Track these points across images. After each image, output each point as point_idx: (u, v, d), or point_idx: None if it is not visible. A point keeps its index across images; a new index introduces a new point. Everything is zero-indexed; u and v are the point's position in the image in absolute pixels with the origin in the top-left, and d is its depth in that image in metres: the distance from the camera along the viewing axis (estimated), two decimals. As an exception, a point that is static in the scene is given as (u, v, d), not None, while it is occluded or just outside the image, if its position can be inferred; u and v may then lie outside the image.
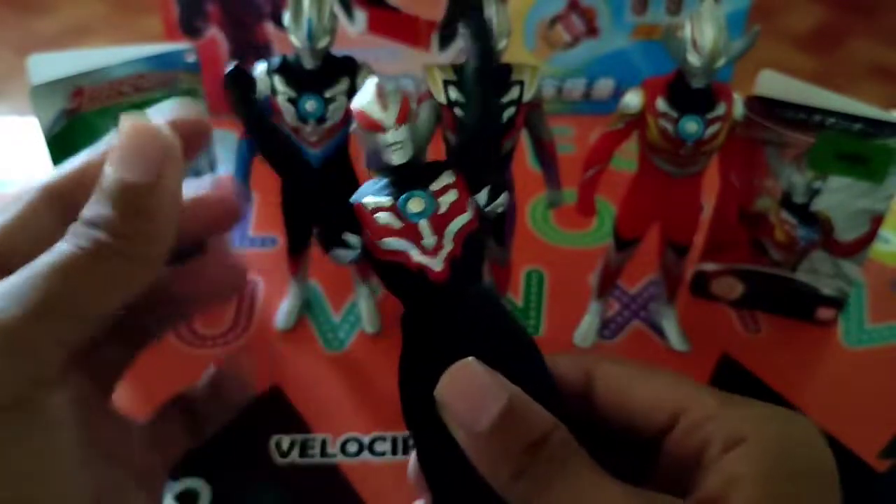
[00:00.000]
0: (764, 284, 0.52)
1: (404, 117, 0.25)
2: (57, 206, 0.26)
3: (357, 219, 0.25)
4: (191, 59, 0.49)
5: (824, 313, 0.53)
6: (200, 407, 0.32)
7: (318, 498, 0.43)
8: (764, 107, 0.46)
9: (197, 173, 0.53)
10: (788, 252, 0.51)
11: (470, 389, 0.23)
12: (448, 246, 0.25)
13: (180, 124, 0.26)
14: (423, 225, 0.25)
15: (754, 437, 0.23)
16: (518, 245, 0.48)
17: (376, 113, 0.25)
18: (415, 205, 0.25)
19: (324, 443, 0.45)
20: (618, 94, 0.69)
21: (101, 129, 0.48)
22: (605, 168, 0.45)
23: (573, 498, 0.22)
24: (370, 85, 0.25)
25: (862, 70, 1.78)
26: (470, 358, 0.24)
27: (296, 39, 0.42)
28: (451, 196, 0.25)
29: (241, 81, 0.25)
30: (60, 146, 0.47)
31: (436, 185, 0.25)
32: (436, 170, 0.26)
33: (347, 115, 0.44)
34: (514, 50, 0.52)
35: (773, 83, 0.46)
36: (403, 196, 0.25)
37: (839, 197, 0.47)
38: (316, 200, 0.26)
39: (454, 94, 0.40)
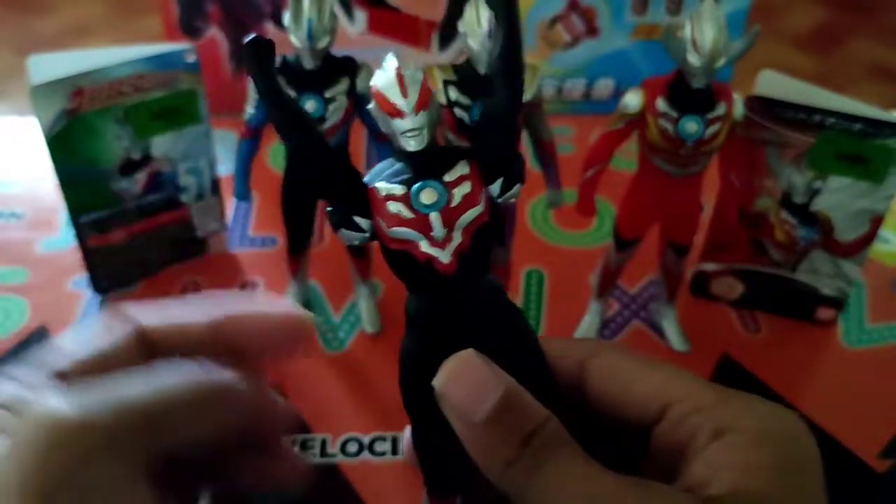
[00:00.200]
0: (764, 284, 0.52)
1: (424, 104, 0.24)
2: (147, 353, 0.27)
3: (368, 201, 0.25)
4: (191, 59, 0.49)
5: (824, 313, 0.53)
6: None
7: (318, 498, 0.43)
8: (764, 107, 0.46)
9: (197, 173, 0.53)
10: (788, 252, 0.51)
11: (468, 380, 0.24)
12: (457, 239, 0.25)
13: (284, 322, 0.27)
14: (434, 217, 0.24)
15: (740, 429, 0.23)
16: (518, 245, 0.48)
17: (395, 98, 0.24)
18: (427, 196, 0.24)
19: (324, 443, 0.45)
20: (618, 94, 0.69)
21: (101, 129, 0.48)
22: (605, 168, 0.45)
23: (562, 485, 0.22)
24: (390, 66, 0.25)
25: (862, 70, 1.78)
26: (469, 349, 0.25)
27: (296, 39, 0.42)
28: (464, 188, 0.25)
29: (261, 49, 0.24)
30: (60, 146, 0.47)
31: (450, 176, 0.25)
32: (451, 158, 0.25)
33: (347, 115, 0.44)
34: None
35: (773, 83, 0.46)
36: (416, 186, 0.24)
37: (839, 197, 0.47)
38: (327, 177, 0.25)
39: (454, 94, 0.40)
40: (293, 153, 0.25)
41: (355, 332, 0.51)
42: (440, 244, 0.24)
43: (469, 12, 0.39)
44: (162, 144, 0.51)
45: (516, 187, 0.25)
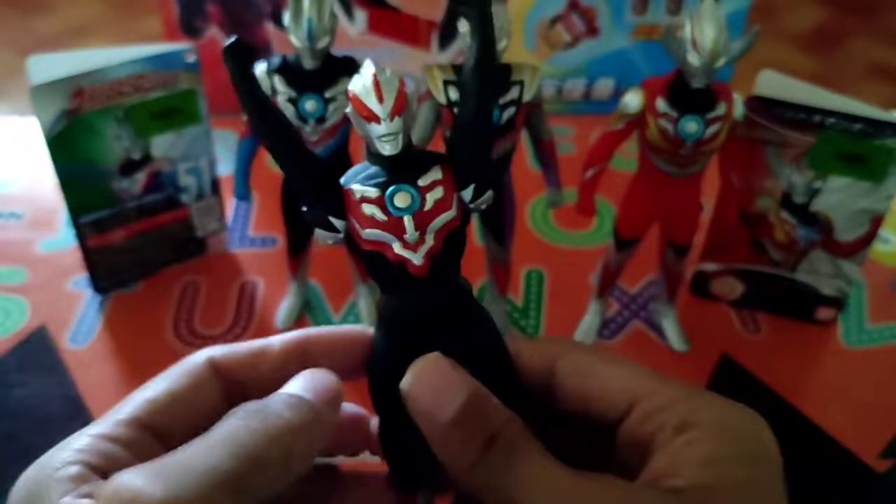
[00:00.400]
0: (764, 284, 0.52)
1: (399, 109, 0.25)
2: (223, 385, 0.27)
3: (343, 202, 0.26)
4: (191, 59, 0.49)
5: (824, 313, 0.53)
6: None
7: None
8: (764, 107, 0.46)
9: (197, 173, 0.53)
10: (788, 252, 0.51)
11: (434, 383, 0.25)
12: (429, 242, 0.25)
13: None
14: (407, 220, 0.25)
15: (702, 424, 0.24)
16: (518, 245, 0.48)
17: (372, 103, 0.25)
18: (401, 200, 0.25)
19: (324, 443, 0.45)
20: (618, 94, 0.69)
21: (101, 129, 0.48)
22: (605, 168, 0.45)
23: (525, 483, 0.23)
24: (367, 71, 0.25)
25: (862, 70, 1.78)
26: (435, 353, 0.25)
27: (296, 39, 0.42)
28: (437, 193, 0.25)
29: (239, 54, 0.24)
30: (60, 146, 0.47)
31: (423, 181, 0.25)
32: (425, 163, 0.26)
33: (347, 115, 0.44)
34: (514, 50, 0.52)
35: (773, 83, 0.46)
36: (390, 190, 0.25)
37: (839, 197, 0.47)
38: (304, 179, 0.26)
39: (454, 94, 0.40)
40: (272, 154, 0.26)
41: (355, 332, 0.51)
42: (412, 247, 0.25)
43: (469, 12, 0.39)
44: (162, 144, 0.51)
45: (488, 194, 0.26)
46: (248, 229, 0.59)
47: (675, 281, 0.50)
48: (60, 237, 0.58)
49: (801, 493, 0.43)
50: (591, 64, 0.69)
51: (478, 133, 0.26)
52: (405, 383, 0.25)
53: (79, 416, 0.46)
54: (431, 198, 0.25)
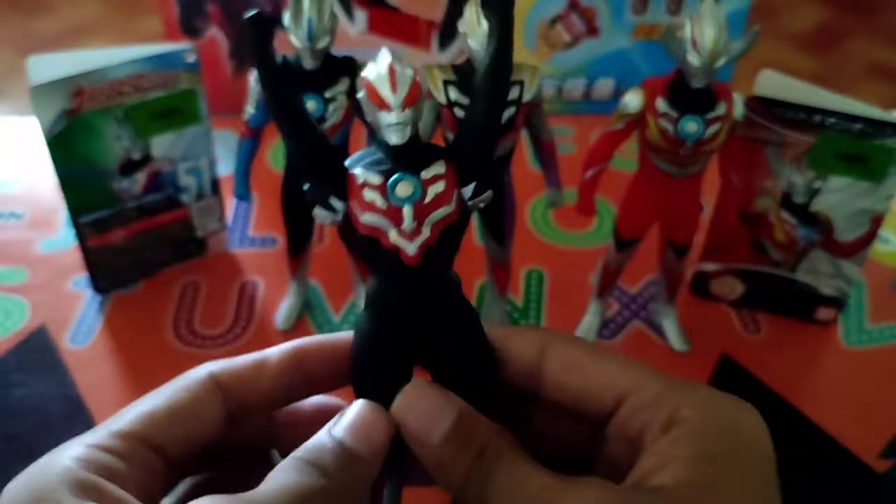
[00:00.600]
0: (764, 284, 0.52)
1: (412, 101, 0.25)
2: (224, 400, 0.27)
3: (345, 185, 0.26)
4: (191, 59, 0.49)
5: (824, 313, 0.53)
6: None
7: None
8: (764, 107, 0.46)
9: (197, 173, 0.53)
10: (788, 252, 0.51)
11: (423, 408, 0.26)
12: (425, 233, 0.26)
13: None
14: (407, 210, 0.25)
15: (687, 420, 0.24)
16: (518, 245, 0.48)
17: (385, 91, 0.25)
18: (403, 189, 0.25)
19: (324, 443, 0.45)
20: (618, 94, 0.69)
21: (101, 129, 0.48)
22: (605, 168, 0.45)
23: (510, 492, 0.24)
24: (384, 60, 0.25)
25: (862, 70, 1.78)
26: (422, 378, 0.26)
27: (296, 39, 0.41)
28: (438, 187, 0.26)
29: (262, 26, 0.24)
30: (60, 146, 0.47)
31: (427, 174, 0.25)
32: (430, 156, 0.26)
33: (347, 115, 0.44)
34: (514, 50, 0.52)
35: (773, 83, 0.46)
36: (394, 178, 0.25)
37: (839, 197, 0.47)
38: (311, 155, 0.26)
39: (454, 94, 0.40)
40: (282, 130, 0.26)
41: (355, 332, 0.51)
42: (408, 236, 0.25)
43: (469, 12, 0.39)
44: (162, 144, 0.51)
45: (487, 193, 0.26)
46: (248, 229, 0.59)
47: (675, 281, 0.51)
48: (60, 237, 0.58)
49: (801, 493, 0.43)
50: (591, 64, 0.69)
51: (484, 133, 0.26)
52: (395, 410, 0.26)
53: (79, 416, 0.46)
54: (433, 191, 0.25)
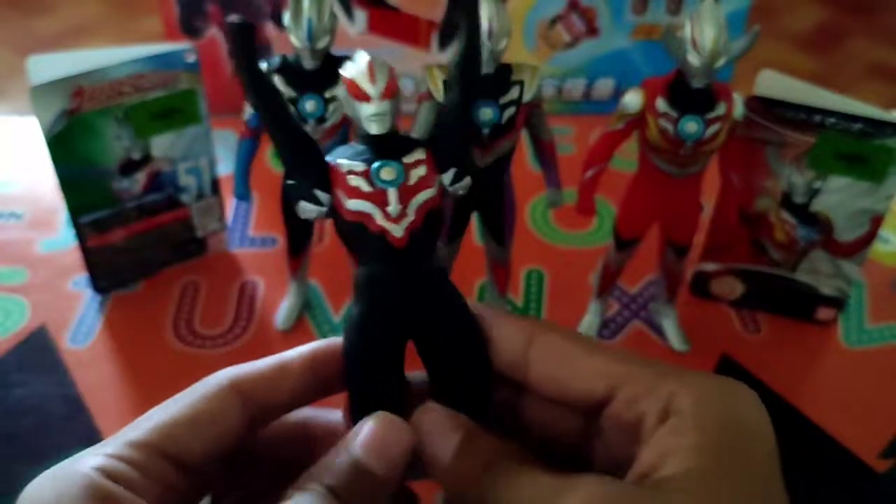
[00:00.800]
0: (764, 284, 0.52)
1: (390, 93, 0.27)
2: (245, 406, 0.27)
3: (328, 178, 0.27)
4: (191, 59, 0.49)
5: (824, 313, 0.53)
6: None
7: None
8: (764, 107, 0.46)
9: (197, 173, 0.53)
10: (788, 252, 0.51)
11: (432, 428, 0.27)
12: (411, 216, 0.27)
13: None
14: (392, 193, 0.26)
15: (688, 409, 0.24)
16: (518, 245, 0.48)
17: (365, 84, 0.26)
18: (387, 173, 0.26)
19: (324, 443, 0.45)
20: (618, 94, 0.69)
21: (101, 129, 0.48)
22: (605, 168, 0.45)
23: (511, 492, 0.25)
24: (362, 57, 0.27)
25: (862, 70, 1.78)
26: (430, 403, 0.27)
27: (296, 39, 0.41)
28: (420, 171, 0.27)
29: (243, 30, 0.26)
30: (60, 146, 0.47)
31: (408, 159, 0.27)
32: (409, 145, 0.27)
33: (347, 115, 0.44)
34: (514, 50, 0.52)
35: (773, 83, 0.46)
36: (377, 164, 0.27)
37: (839, 197, 0.47)
38: (294, 151, 0.27)
39: (454, 94, 0.40)
40: (265, 126, 0.27)
41: (355, 332, 0.51)
42: (395, 219, 0.27)
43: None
44: (162, 144, 0.51)
45: (466, 180, 0.28)
46: (248, 229, 0.59)
47: (675, 281, 0.51)
48: (60, 237, 0.58)
49: (801, 492, 0.43)
50: (591, 64, 0.69)
51: (459, 122, 0.28)
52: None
53: (79, 416, 0.46)
54: (415, 174, 0.27)
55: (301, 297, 0.53)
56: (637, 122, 0.43)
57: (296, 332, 0.52)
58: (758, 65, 0.48)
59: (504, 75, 0.41)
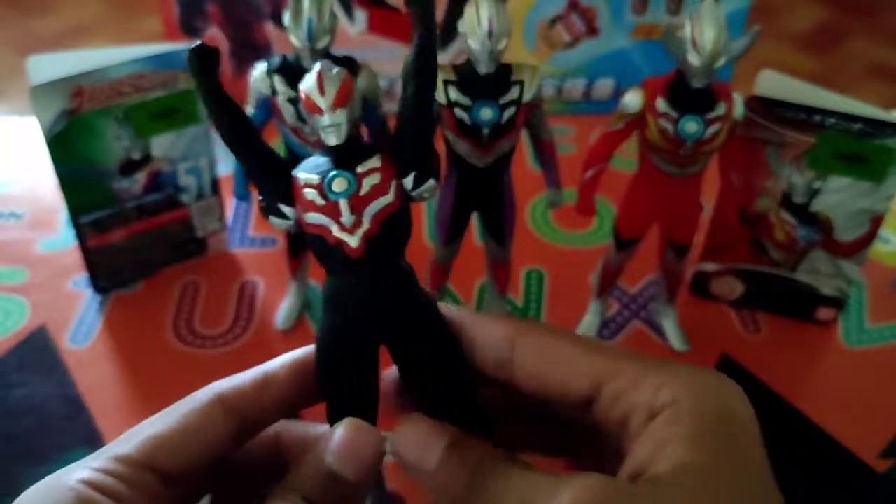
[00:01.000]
0: (764, 284, 0.52)
1: (341, 102, 0.27)
2: (231, 419, 0.27)
3: (292, 191, 0.28)
4: (191, 59, 0.49)
5: (824, 313, 0.53)
6: None
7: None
8: (764, 107, 0.46)
9: (197, 173, 0.53)
10: (788, 252, 0.51)
11: (415, 439, 0.27)
12: (366, 225, 0.27)
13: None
14: (343, 204, 0.27)
15: (675, 403, 0.24)
16: (518, 245, 0.48)
17: (314, 96, 0.27)
18: (338, 185, 0.27)
19: (324, 443, 0.45)
20: (618, 94, 0.69)
21: (101, 129, 0.48)
22: (605, 168, 0.45)
23: (500, 492, 0.25)
24: (315, 69, 0.27)
25: (862, 70, 1.78)
26: (414, 413, 0.28)
27: (296, 39, 0.41)
28: (374, 179, 0.27)
29: (202, 57, 0.26)
30: (60, 146, 0.47)
31: (362, 168, 0.27)
32: (366, 152, 0.27)
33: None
34: (514, 50, 0.52)
35: (773, 83, 0.46)
36: (329, 175, 0.27)
37: (839, 197, 0.47)
38: (259, 170, 0.28)
39: (454, 94, 0.40)
40: (230, 148, 0.28)
41: (355, 332, 0.51)
42: (349, 230, 0.27)
43: (469, 12, 0.39)
44: (162, 144, 0.51)
45: (430, 182, 0.28)
46: (248, 229, 0.59)
47: (675, 281, 0.50)
48: (60, 237, 0.58)
49: (801, 493, 0.43)
50: (591, 64, 0.69)
51: (416, 125, 0.28)
52: (391, 444, 0.27)
53: (79, 416, 0.46)
54: (368, 183, 0.27)
55: (301, 298, 0.53)
56: (637, 122, 0.43)
57: (296, 332, 0.52)
58: (758, 65, 0.48)
59: (504, 75, 0.41)
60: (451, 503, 0.26)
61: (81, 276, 0.54)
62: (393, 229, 0.27)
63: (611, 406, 0.25)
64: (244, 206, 0.61)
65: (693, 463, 0.22)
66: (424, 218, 0.60)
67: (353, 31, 0.65)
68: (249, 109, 0.45)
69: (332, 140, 0.27)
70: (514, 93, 0.41)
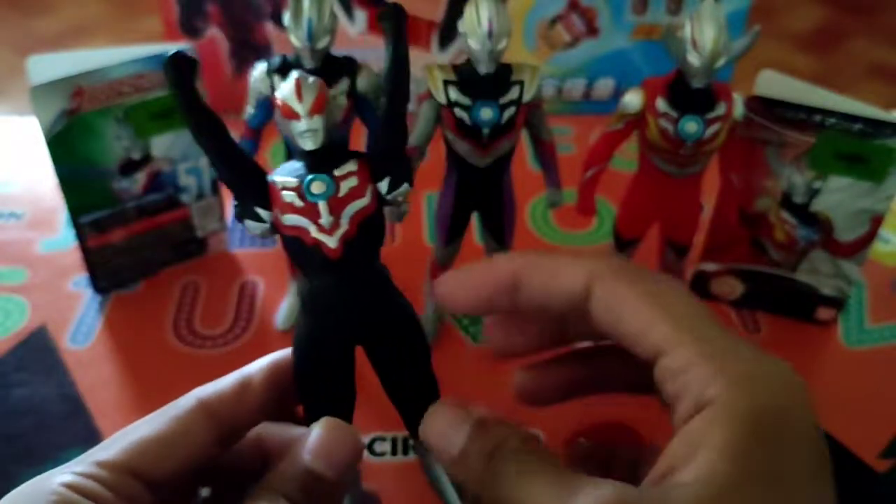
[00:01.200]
0: (764, 284, 0.52)
1: (317, 108, 0.27)
2: (213, 424, 0.28)
3: (268, 195, 0.28)
4: (191, 59, 0.49)
5: (824, 313, 0.53)
6: None
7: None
8: (764, 107, 0.46)
9: (197, 173, 0.53)
10: (788, 252, 0.51)
11: (440, 426, 0.27)
12: (344, 227, 0.28)
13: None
14: (322, 206, 0.27)
15: (722, 401, 0.23)
16: (518, 245, 0.48)
17: (292, 103, 0.28)
18: (316, 187, 0.27)
19: (324, 443, 0.45)
20: (618, 94, 0.69)
21: (101, 129, 0.48)
22: (605, 168, 0.45)
23: (515, 490, 0.25)
24: (292, 76, 0.28)
25: (862, 70, 1.78)
26: (440, 399, 0.29)
27: (296, 39, 0.41)
28: (351, 182, 0.28)
29: (180, 65, 0.26)
30: (60, 146, 0.47)
31: (339, 171, 0.28)
32: (343, 157, 0.28)
33: (347, 115, 0.44)
34: (514, 50, 0.52)
35: (773, 83, 0.46)
36: (308, 178, 0.27)
37: (839, 197, 0.47)
38: (234, 174, 0.28)
39: (454, 94, 0.40)
40: (206, 154, 0.28)
41: (355, 332, 0.51)
42: (328, 231, 0.27)
43: (469, 12, 0.39)
44: (162, 144, 0.51)
45: (404, 186, 0.29)
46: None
47: (675, 281, 0.50)
48: (60, 237, 0.58)
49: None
50: (591, 64, 0.69)
51: (390, 131, 0.29)
52: (420, 432, 0.28)
53: (79, 416, 0.46)
54: (346, 186, 0.28)
55: (301, 297, 0.53)
56: (637, 122, 0.43)
57: (296, 332, 0.52)
58: (758, 65, 0.48)
59: (504, 75, 0.41)
60: (472, 489, 0.26)
61: (81, 276, 0.54)
62: (369, 231, 0.28)
63: (663, 382, 0.25)
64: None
65: (717, 477, 0.21)
66: (424, 218, 0.60)
67: (353, 31, 0.65)
68: (249, 109, 0.45)
69: (308, 145, 0.28)
70: (514, 93, 0.41)
